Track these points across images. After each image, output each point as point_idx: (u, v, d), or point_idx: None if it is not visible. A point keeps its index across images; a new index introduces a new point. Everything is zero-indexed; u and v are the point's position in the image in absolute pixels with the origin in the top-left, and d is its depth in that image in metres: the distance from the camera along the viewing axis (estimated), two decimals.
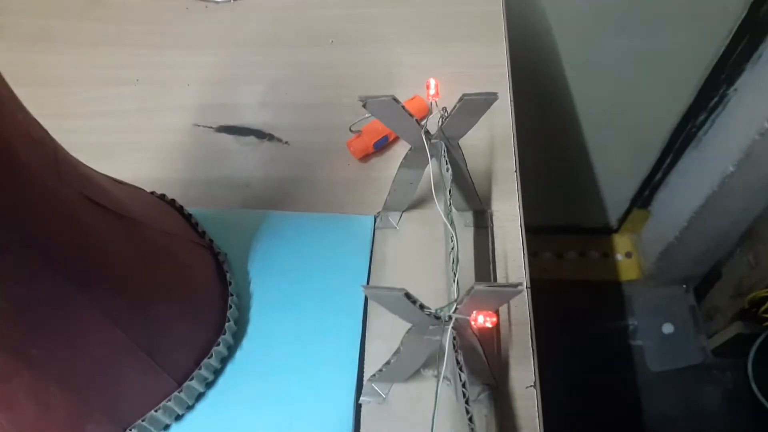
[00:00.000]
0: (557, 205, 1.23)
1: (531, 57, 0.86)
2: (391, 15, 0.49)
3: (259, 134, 0.42)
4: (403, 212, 0.39)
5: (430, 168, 0.33)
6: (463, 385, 0.27)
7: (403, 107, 0.31)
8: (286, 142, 0.42)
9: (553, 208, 1.25)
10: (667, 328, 1.22)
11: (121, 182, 0.32)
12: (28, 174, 0.22)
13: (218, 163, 0.41)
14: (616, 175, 1.18)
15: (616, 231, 1.32)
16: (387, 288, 0.25)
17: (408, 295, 0.26)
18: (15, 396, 0.26)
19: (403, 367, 0.31)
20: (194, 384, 0.31)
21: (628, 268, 1.29)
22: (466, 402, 0.27)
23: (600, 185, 1.21)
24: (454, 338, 0.27)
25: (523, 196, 0.39)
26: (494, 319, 0.25)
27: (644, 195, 1.20)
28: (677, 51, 0.90)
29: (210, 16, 0.50)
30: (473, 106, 0.31)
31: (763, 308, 0.88)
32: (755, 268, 1.00)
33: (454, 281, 0.29)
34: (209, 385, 0.33)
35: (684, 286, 1.26)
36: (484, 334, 0.33)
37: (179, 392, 0.31)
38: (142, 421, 0.30)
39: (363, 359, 0.34)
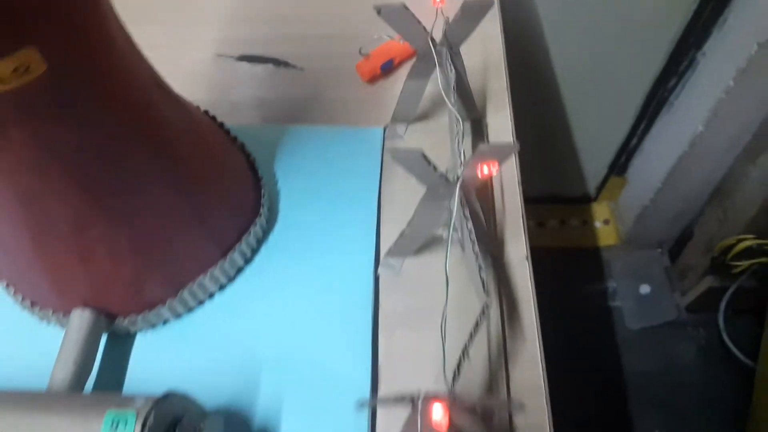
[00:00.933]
0: (538, 175, 1.29)
1: (509, 30, 0.90)
2: None
3: (276, 62, 0.47)
4: (408, 124, 0.44)
5: (437, 72, 0.38)
6: (470, 234, 0.32)
7: (412, 13, 0.36)
8: (301, 68, 0.47)
9: (535, 179, 1.30)
10: (644, 289, 1.28)
11: None
12: (117, 46, 0.27)
13: (240, 88, 0.46)
14: (593, 144, 1.24)
15: (595, 200, 1.38)
16: (407, 149, 0.30)
17: (425, 156, 0.31)
18: (92, 248, 0.31)
19: (416, 235, 0.36)
20: (236, 256, 0.36)
21: (606, 235, 1.36)
22: (474, 247, 0.32)
23: (578, 155, 1.27)
24: (461, 200, 0.33)
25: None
26: (496, 168, 0.30)
27: (620, 162, 1.26)
28: (647, 18, 0.95)
29: None
30: (472, 12, 0.36)
31: (730, 254, 0.94)
32: (724, 223, 1.06)
33: (459, 154, 0.34)
34: (247, 261, 0.38)
35: (659, 249, 1.33)
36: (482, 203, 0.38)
37: (224, 262, 0.36)
38: (192, 285, 0.35)
39: (378, 244, 0.39)
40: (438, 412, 0.23)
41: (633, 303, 1.28)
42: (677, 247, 1.27)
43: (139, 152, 0.29)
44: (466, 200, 0.33)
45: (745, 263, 0.96)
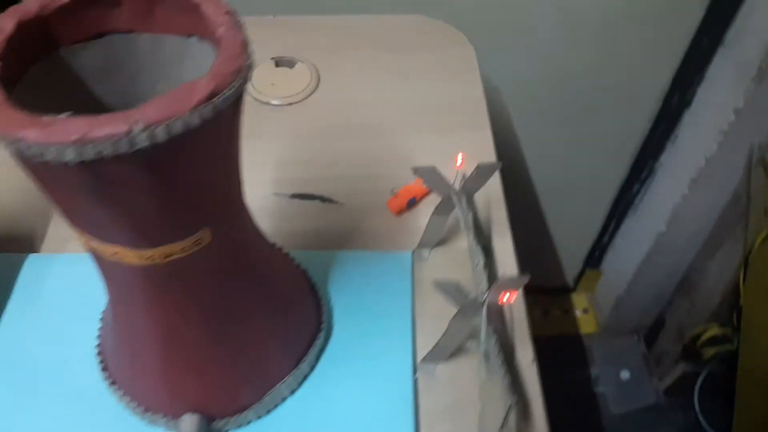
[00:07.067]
0: (522, 269, 1.39)
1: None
2: (408, 108, 0.67)
3: (322, 198, 0.57)
4: (431, 249, 0.54)
5: (458, 211, 0.48)
6: (496, 345, 0.42)
7: (440, 172, 0.47)
8: (342, 203, 0.57)
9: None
10: (624, 375, 1.37)
11: None
12: (247, 224, 0.37)
13: (293, 220, 0.56)
14: (570, 241, 1.36)
15: (574, 290, 1.48)
16: (447, 280, 0.41)
17: (459, 285, 0.41)
18: (207, 363, 0.40)
19: (448, 344, 0.46)
20: (304, 366, 0.45)
21: (586, 323, 1.45)
22: (499, 358, 0.41)
23: (557, 250, 1.39)
24: (487, 318, 0.42)
25: None
26: (515, 296, 0.40)
27: (595, 256, 1.38)
28: (611, 135, 1.10)
29: (269, 116, 0.66)
30: (484, 171, 0.47)
31: (699, 342, 1.05)
32: (692, 312, 1.17)
33: (483, 278, 0.45)
34: (312, 369, 0.47)
35: (636, 336, 1.43)
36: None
37: (296, 371, 0.44)
38: (272, 391, 0.44)
39: (415, 350, 0.49)
40: None
41: (615, 389, 1.36)
42: (652, 334, 1.37)
43: (254, 293, 0.39)
44: (490, 319, 0.43)
45: (712, 350, 1.07)
